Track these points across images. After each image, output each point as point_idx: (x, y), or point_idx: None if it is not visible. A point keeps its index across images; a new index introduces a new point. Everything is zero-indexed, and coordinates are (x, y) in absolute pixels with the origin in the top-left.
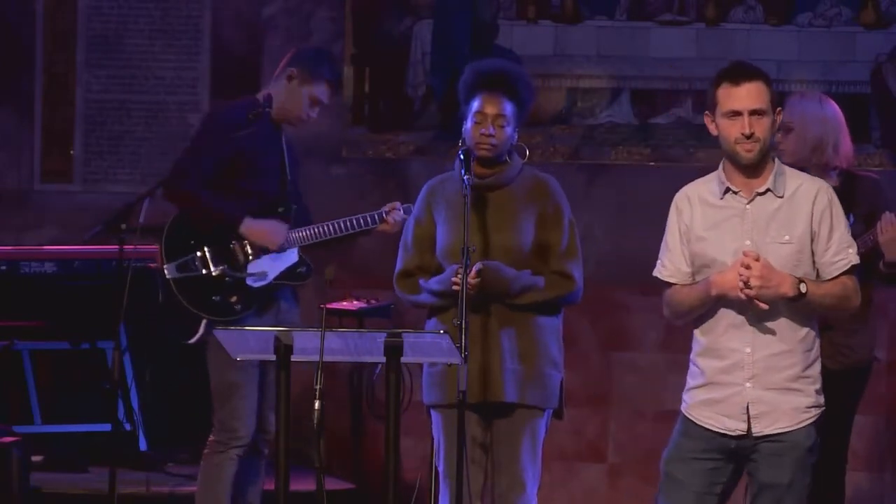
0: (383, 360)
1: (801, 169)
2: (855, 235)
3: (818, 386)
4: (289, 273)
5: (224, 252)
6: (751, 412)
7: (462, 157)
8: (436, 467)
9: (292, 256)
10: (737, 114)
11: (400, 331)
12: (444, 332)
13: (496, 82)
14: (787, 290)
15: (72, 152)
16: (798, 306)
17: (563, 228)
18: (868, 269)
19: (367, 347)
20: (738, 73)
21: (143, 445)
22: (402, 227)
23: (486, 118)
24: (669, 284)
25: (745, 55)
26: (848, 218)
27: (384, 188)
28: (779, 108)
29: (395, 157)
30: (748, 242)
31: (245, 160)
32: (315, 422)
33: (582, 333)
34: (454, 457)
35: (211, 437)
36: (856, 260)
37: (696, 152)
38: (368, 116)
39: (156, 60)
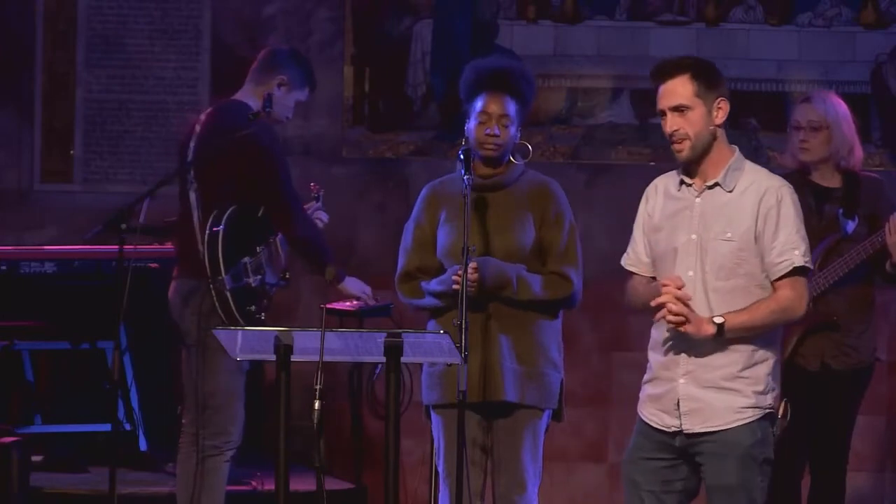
0: (383, 360)
1: (815, 168)
2: (859, 236)
3: (760, 388)
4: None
5: (256, 261)
6: (681, 409)
7: (462, 156)
8: (436, 467)
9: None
10: (663, 113)
11: (400, 331)
12: (444, 332)
13: (499, 81)
14: (706, 330)
15: (72, 152)
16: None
17: (563, 231)
18: (872, 269)
19: (367, 347)
20: (657, 71)
21: (143, 445)
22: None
23: (490, 118)
24: (633, 274)
25: (744, 55)
26: (853, 219)
27: (384, 188)
28: (720, 98)
29: (395, 157)
30: (693, 237)
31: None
32: (315, 422)
33: (582, 333)
34: (454, 457)
35: (205, 441)
36: (800, 262)
37: None
38: (368, 116)
39: (156, 60)
